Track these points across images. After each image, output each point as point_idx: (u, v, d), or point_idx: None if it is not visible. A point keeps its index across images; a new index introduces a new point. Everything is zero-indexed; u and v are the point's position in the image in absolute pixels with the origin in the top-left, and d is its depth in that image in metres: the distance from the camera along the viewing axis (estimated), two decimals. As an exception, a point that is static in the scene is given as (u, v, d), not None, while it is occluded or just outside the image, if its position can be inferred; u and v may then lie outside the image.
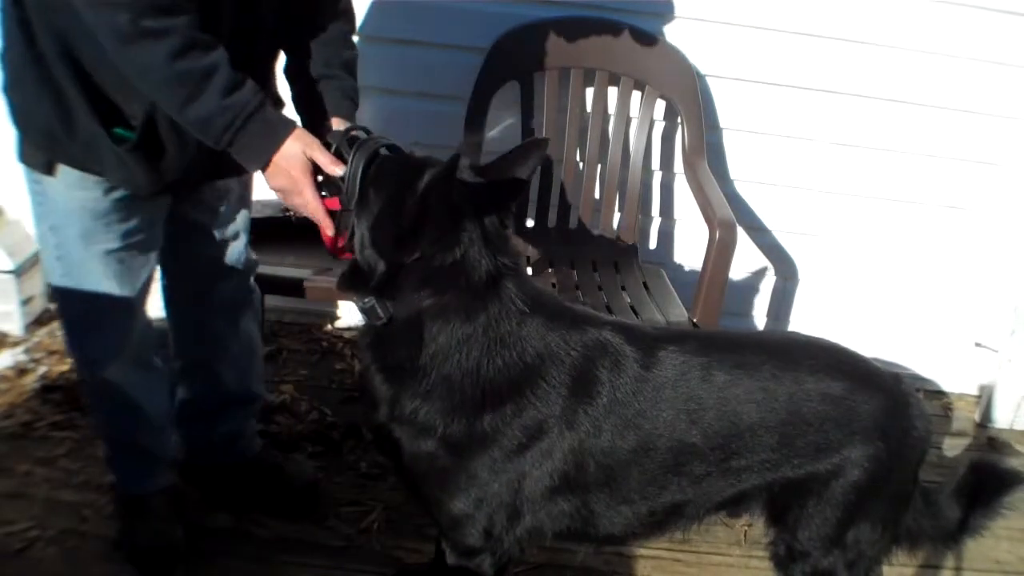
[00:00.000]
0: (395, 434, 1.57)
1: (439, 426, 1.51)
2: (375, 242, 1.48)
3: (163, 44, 1.43)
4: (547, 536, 1.63)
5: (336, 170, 1.54)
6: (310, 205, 1.57)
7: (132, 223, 1.75)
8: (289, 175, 1.56)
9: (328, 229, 1.58)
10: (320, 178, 1.56)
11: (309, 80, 1.79)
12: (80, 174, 1.65)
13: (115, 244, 1.75)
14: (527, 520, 1.58)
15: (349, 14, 1.83)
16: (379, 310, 1.49)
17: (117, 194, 1.69)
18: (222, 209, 1.93)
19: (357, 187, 1.49)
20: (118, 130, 1.58)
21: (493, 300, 1.48)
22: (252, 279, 2.11)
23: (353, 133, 1.60)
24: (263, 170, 1.57)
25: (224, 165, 1.74)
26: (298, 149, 1.54)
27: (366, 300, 1.51)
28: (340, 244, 1.58)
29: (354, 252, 1.53)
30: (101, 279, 1.77)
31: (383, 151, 1.54)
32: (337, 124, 1.71)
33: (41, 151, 1.65)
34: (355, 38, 1.85)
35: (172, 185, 1.72)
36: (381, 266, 1.47)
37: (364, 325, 1.57)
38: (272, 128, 1.54)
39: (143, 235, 1.79)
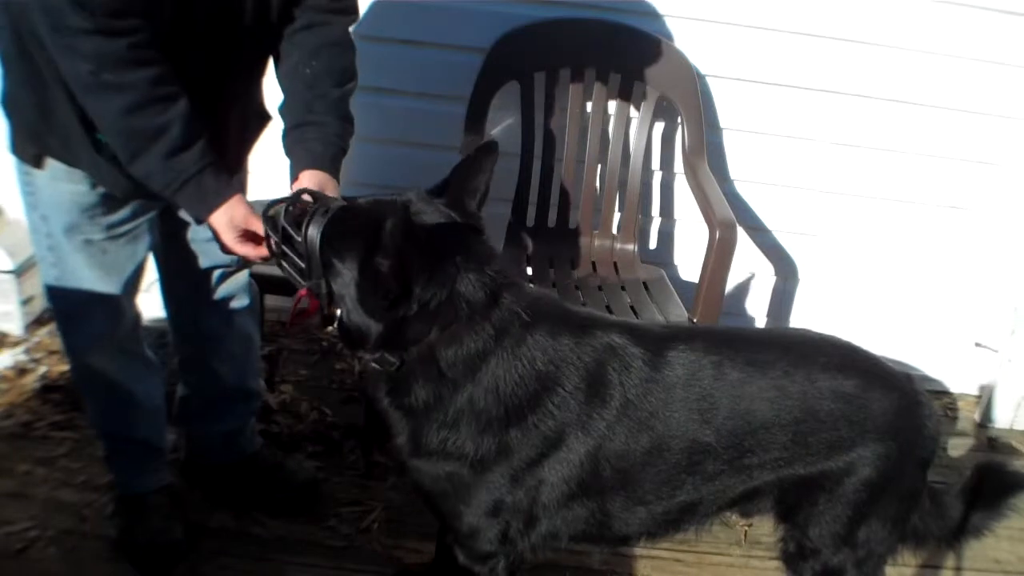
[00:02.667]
0: (416, 464, 1.57)
1: (471, 451, 1.50)
2: (367, 311, 1.45)
3: (119, 99, 1.46)
4: (563, 540, 1.63)
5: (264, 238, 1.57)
6: (242, 255, 1.63)
7: (117, 215, 1.77)
8: (220, 236, 1.61)
9: (250, 254, 1.61)
10: (284, 263, 1.55)
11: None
12: (67, 167, 1.67)
13: (99, 235, 1.76)
14: (543, 525, 1.59)
15: (345, 45, 1.76)
16: (390, 357, 1.48)
17: (104, 188, 1.71)
18: None
19: (319, 260, 1.46)
20: (101, 135, 1.58)
21: (497, 317, 1.47)
22: (248, 276, 2.10)
23: (301, 201, 1.54)
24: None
25: None
26: (224, 220, 1.58)
27: (374, 355, 1.49)
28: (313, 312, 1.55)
29: (339, 317, 1.50)
30: (86, 269, 1.79)
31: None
32: (308, 178, 1.65)
33: (30, 143, 1.68)
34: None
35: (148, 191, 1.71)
36: (378, 327, 1.45)
37: (374, 370, 1.53)
38: (204, 196, 1.57)
39: (129, 226, 1.80)
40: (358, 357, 1.54)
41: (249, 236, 1.61)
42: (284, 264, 1.55)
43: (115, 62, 1.44)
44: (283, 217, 1.51)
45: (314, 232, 1.45)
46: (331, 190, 1.64)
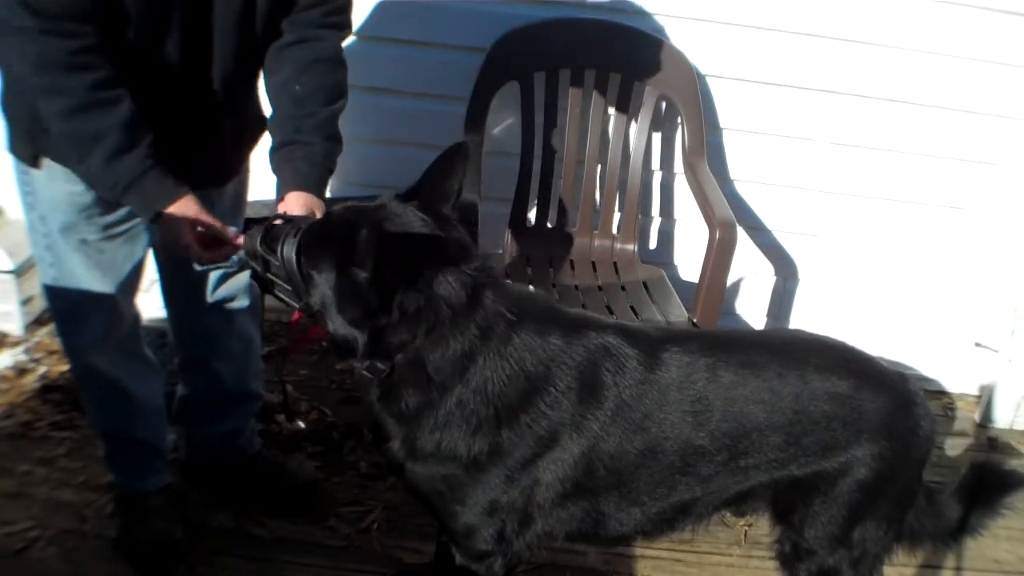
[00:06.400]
0: (412, 467, 1.57)
1: (464, 453, 1.50)
2: (348, 322, 1.44)
3: (57, 102, 1.47)
4: (558, 539, 1.64)
5: (225, 231, 1.60)
6: (198, 259, 1.65)
7: (114, 216, 1.77)
8: (170, 237, 1.63)
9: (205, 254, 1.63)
10: (276, 291, 1.55)
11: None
12: (63, 167, 1.67)
13: (95, 235, 1.77)
14: (538, 525, 1.59)
15: (336, 61, 1.74)
16: (379, 365, 1.47)
17: (95, 191, 1.71)
18: (214, 208, 1.92)
19: (300, 277, 1.46)
20: None
21: (481, 316, 1.46)
22: (248, 277, 2.10)
23: (273, 226, 1.53)
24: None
25: (199, 177, 1.73)
26: (174, 220, 1.59)
27: (363, 363, 1.49)
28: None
29: (327, 330, 1.50)
30: (83, 269, 1.79)
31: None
32: (294, 199, 1.65)
33: (26, 143, 1.68)
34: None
35: None
36: (363, 337, 1.44)
37: (365, 378, 1.53)
38: (147, 199, 1.57)
39: (126, 226, 1.80)
40: (351, 365, 1.53)
41: (210, 238, 1.62)
42: (276, 292, 1.55)
43: (54, 66, 1.44)
44: (258, 244, 1.51)
45: (288, 250, 1.46)
46: (318, 211, 1.64)
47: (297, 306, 1.52)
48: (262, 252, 1.51)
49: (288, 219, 1.55)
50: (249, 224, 2.03)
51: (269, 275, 1.53)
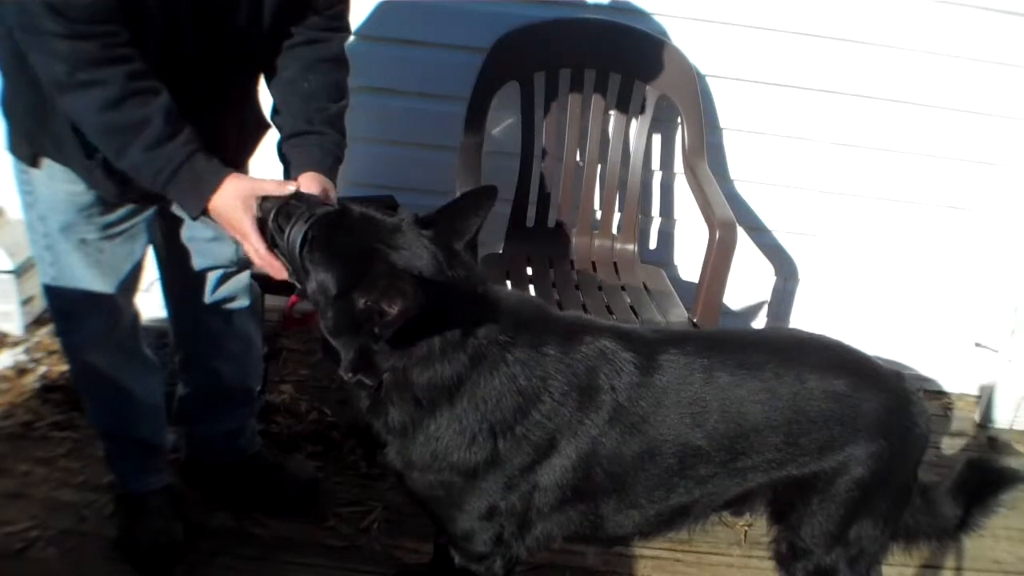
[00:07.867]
0: (408, 474, 1.57)
1: (460, 463, 1.50)
2: (336, 333, 1.42)
3: (95, 95, 1.46)
4: (557, 540, 1.64)
5: (288, 188, 1.53)
6: (259, 252, 1.55)
7: (114, 215, 1.77)
8: (229, 224, 1.56)
9: (277, 273, 1.55)
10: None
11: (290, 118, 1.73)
12: (63, 167, 1.67)
13: (95, 234, 1.77)
14: (537, 528, 1.59)
15: (341, 61, 1.76)
16: (367, 380, 1.45)
17: (97, 191, 1.71)
18: None
19: (299, 263, 1.45)
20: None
21: (471, 346, 1.44)
22: (248, 276, 2.10)
23: (287, 204, 1.50)
24: (207, 216, 1.57)
25: None
26: (229, 198, 1.53)
27: (350, 376, 1.46)
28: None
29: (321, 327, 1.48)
30: (82, 268, 1.79)
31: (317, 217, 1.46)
32: (308, 179, 1.63)
33: (26, 143, 1.68)
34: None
35: (141, 195, 1.70)
36: (350, 353, 1.42)
37: (353, 386, 1.52)
38: (198, 181, 1.54)
39: (125, 225, 1.80)
40: (338, 372, 1.50)
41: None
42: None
43: (89, 61, 1.44)
44: (270, 219, 1.50)
45: (296, 234, 1.44)
46: (332, 192, 1.64)
47: (295, 289, 1.51)
48: (272, 228, 1.50)
49: (303, 199, 1.53)
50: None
51: (274, 250, 1.52)
